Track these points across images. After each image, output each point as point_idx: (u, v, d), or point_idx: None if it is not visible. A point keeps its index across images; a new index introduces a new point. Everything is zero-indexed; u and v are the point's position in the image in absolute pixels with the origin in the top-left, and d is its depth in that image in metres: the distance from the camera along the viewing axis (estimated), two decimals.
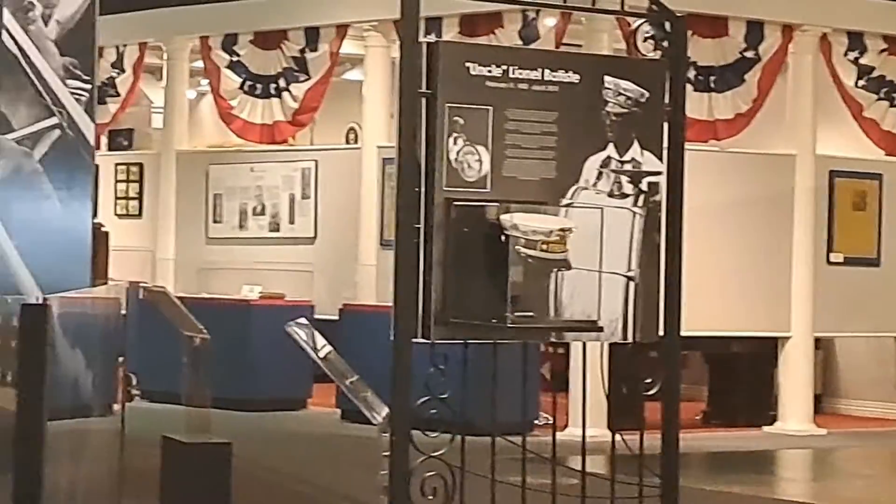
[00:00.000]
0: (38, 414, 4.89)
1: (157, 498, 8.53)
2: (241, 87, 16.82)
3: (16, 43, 7.37)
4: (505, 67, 6.20)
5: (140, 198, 18.46)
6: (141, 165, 18.55)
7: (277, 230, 16.60)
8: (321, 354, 6.72)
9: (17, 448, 4.90)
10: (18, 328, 4.88)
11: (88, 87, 7.60)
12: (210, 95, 18.01)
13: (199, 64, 17.69)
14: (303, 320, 6.86)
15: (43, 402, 4.87)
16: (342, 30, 15.88)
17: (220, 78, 17.11)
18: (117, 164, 18.60)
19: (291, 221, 16.49)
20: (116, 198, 18.48)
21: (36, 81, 7.50)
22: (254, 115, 16.70)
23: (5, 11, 6.92)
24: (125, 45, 17.69)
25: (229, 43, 16.86)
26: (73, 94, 7.58)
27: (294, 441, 12.94)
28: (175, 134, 17.87)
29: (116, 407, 8.88)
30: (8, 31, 6.51)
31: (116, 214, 18.17)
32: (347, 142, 18.78)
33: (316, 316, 13.68)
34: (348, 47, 16.31)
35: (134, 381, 14.17)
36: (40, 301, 4.96)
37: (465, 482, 6.13)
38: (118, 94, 17.80)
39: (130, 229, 17.91)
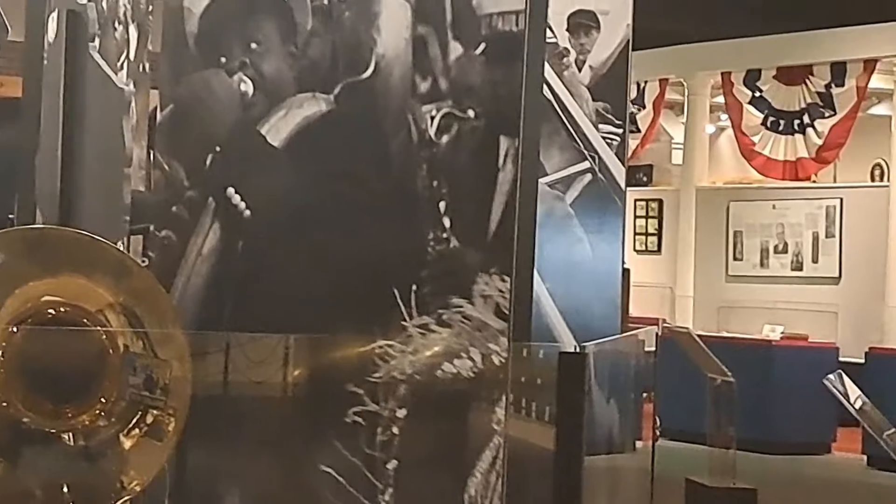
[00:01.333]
0: (576, 459, 4.96)
1: None
2: (763, 123, 16.69)
3: (550, 89, 7.54)
4: None
5: (659, 234, 18.58)
6: (660, 201, 18.68)
7: (800, 269, 16.33)
8: (856, 406, 6.52)
9: (555, 486, 4.99)
10: (557, 375, 4.98)
11: (619, 131, 7.68)
12: (728, 131, 17.96)
13: (719, 99, 17.67)
14: (839, 372, 6.69)
15: (581, 447, 4.94)
16: (870, 64, 15.50)
17: (741, 114, 17.03)
18: (636, 200, 18.81)
19: (815, 260, 16.19)
20: (635, 233, 18.67)
21: (569, 126, 7.64)
22: (776, 152, 16.53)
23: None
24: (646, 82, 17.89)
25: (752, 78, 16.76)
26: (604, 138, 7.68)
27: (818, 488, 12.60)
28: (695, 170, 17.92)
29: (639, 444, 8.91)
30: (545, 78, 6.66)
31: (635, 250, 18.37)
32: (872, 179, 18.29)
33: (840, 358, 13.33)
34: (876, 82, 15.89)
35: (657, 421, 14.20)
36: (577, 350, 5.04)
37: None
38: (638, 131, 18.00)
39: (649, 265, 18.06)
